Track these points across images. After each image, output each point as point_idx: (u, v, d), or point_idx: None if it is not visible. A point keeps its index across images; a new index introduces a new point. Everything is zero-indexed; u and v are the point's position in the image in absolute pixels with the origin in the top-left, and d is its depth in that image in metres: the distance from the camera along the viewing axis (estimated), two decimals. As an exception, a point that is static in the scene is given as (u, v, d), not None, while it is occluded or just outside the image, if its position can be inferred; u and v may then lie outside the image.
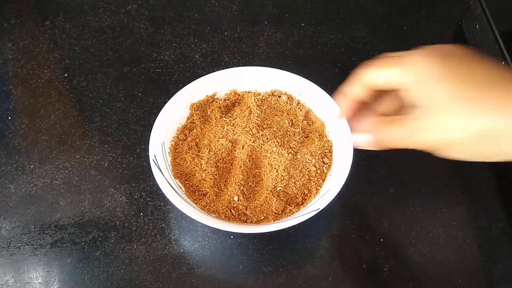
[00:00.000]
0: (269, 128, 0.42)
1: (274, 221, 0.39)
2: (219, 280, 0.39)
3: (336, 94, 0.38)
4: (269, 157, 0.41)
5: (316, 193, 0.40)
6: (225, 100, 0.45)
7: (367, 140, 0.34)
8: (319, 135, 0.43)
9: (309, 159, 0.41)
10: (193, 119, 0.44)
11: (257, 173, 0.41)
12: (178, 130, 0.43)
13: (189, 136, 0.43)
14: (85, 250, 0.41)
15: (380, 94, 0.35)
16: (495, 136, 0.28)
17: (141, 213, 0.43)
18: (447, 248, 0.41)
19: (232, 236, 0.41)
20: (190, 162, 0.41)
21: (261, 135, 0.41)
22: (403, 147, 0.32)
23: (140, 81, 0.52)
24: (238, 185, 0.40)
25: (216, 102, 0.45)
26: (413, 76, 0.31)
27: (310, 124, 0.44)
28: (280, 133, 0.42)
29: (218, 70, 0.45)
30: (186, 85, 0.44)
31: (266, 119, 0.43)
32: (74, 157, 0.46)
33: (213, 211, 0.39)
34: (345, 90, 0.36)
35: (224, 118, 0.44)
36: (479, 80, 0.29)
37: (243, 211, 0.39)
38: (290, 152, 0.41)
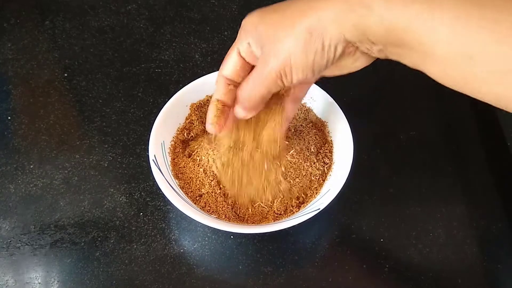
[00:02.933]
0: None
1: (274, 221, 0.39)
2: (219, 280, 0.39)
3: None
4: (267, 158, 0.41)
5: (316, 193, 0.40)
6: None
7: (239, 110, 0.34)
8: (319, 135, 0.43)
9: (309, 159, 0.41)
10: (193, 119, 0.44)
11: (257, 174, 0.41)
12: (178, 130, 0.43)
13: (188, 139, 0.43)
14: (85, 250, 0.41)
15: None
16: (319, 26, 0.28)
17: (141, 213, 0.43)
18: (447, 248, 0.41)
19: (232, 236, 0.41)
20: (190, 164, 0.41)
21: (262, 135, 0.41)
22: (266, 92, 0.32)
23: (140, 81, 0.51)
24: (238, 185, 0.40)
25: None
26: (245, 39, 0.32)
27: (310, 124, 0.44)
28: None
29: (218, 70, 0.45)
30: (186, 85, 0.44)
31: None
32: (74, 157, 0.46)
33: (213, 211, 0.39)
34: (214, 97, 0.36)
35: None
36: (291, 2, 0.30)
37: (243, 211, 0.39)
38: (290, 152, 0.41)
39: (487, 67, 0.25)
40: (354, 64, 0.31)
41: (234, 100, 0.35)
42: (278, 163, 0.40)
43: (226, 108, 0.35)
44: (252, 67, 0.34)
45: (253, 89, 0.32)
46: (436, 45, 0.26)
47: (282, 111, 0.36)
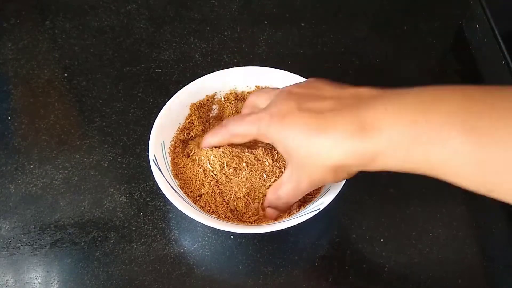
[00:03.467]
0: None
1: (274, 221, 0.39)
2: (219, 280, 0.39)
3: None
4: (269, 157, 0.41)
5: (316, 193, 0.40)
6: (225, 100, 0.45)
7: (272, 211, 0.39)
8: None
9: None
10: (193, 119, 0.44)
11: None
12: (178, 130, 0.43)
13: (188, 139, 0.43)
14: (85, 250, 0.41)
15: None
16: (342, 167, 0.33)
17: (141, 213, 0.43)
18: (447, 248, 0.41)
19: (232, 236, 0.41)
20: (190, 164, 0.41)
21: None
22: (299, 198, 0.38)
23: (140, 81, 0.51)
24: (238, 186, 0.39)
25: (216, 102, 0.45)
26: (268, 140, 0.36)
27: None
28: None
29: (218, 70, 0.45)
30: (186, 85, 0.44)
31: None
32: (74, 157, 0.46)
33: (213, 211, 0.39)
34: (213, 143, 0.40)
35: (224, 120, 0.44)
36: (311, 130, 0.33)
37: (243, 211, 0.39)
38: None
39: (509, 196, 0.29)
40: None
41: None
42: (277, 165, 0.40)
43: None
44: None
45: (289, 197, 0.37)
46: (457, 182, 0.30)
47: None
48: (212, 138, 0.40)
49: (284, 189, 0.37)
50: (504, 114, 0.26)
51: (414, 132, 0.29)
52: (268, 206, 0.38)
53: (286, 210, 0.39)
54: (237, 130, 0.38)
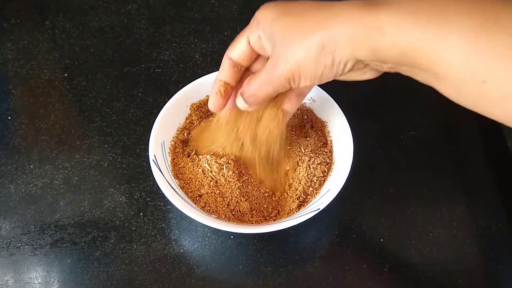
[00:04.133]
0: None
1: (274, 221, 0.39)
2: (219, 280, 0.39)
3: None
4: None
5: (316, 193, 0.40)
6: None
7: (242, 102, 0.35)
8: (319, 135, 0.43)
9: (309, 159, 0.41)
10: (193, 119, 0.44)
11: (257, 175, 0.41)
12: (178, 130, 0.43)
13: (188, 139, 0.43)
14: (85, 250, 0.41)
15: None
16: (332, 41, 0.29)
17: (141, 213, 0.43)
18: (447, 248, 0.41)
19: (232, 236, 0.41)
20: (190, 164, 0.41)
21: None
22: (272, 92, 0.33)
23: (140, 81, 0.51)
24: (238, 186, 0.39)
25: None
26: (257, 31, 0.33)
27: (310, 124, 0.44)
28: None
29: (218, 70, 0.45)
30: (186, 85, 0.44)
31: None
32: (74, 157, 0.46)
33: (212, 211, 0.39)
34: (218, 77, 0.37)
35: None
36: (312, 6, 0.30)
37: (243, 211, 0.39)
38: (290, 153, 0.41)
39: (500, 91, 0.26)
40: (362, 76, 0.33)
41: (237, 81, 0.36)
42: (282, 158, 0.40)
43: (229, 88, 0.36)
44: (259, 55, 0.35)
45: (261, 88, 0.33)
46: (449, 69, 0.26)
47: (282, 104, 0.37)
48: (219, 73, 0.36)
49: (256, 77, 0.33)
50: (505, 30, 0.25)
51: (418, 8, 0.27)
52: (239, 94, 0.35)
53: (256, 103, 0.35)
54: (231, 44, 0.35)
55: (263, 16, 0.32)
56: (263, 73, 0.33)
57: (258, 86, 0.33)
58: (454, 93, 0.28)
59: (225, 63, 0.36)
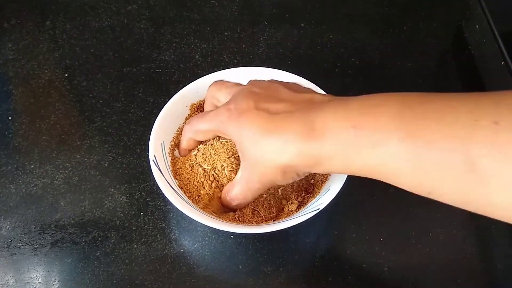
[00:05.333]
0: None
1: (274, 221, 0.39)
2: (219, 280, 0.39)
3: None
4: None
5: (316, 193, 0.40)
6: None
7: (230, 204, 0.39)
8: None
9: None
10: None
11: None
12: (178, 131, 0.43)
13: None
14: (85, 250, 0.41)
15: None
16: (291, 167, 0.33)
17: (141, 213, 0.43)
18: (447, 248, 0.41)
19: (232, 236, 0.41)
20: (188, 164, 0.41)
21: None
22: (256, 196, 0.38)
23: (140, 81, 0.52)
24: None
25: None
26: (225, 135, 0.38)
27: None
28: None
29: (218, 70, 0.45)
30: (186, 85, 0.44)
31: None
32: (75, 157, 0.46)
33: (213, 211, 0.39)
34: (185, 146, 0.41)
35: None
36: (264, 130, 0.33)
37: (243, 211, 0.39)
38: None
39: (447, 198, 0.29)
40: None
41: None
42: None
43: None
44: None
45: (245, 196, 0.37)
46: (400, 185, 0.31)
47: None
48: (181, 141, 0.41)
49: (235, 190, 0.37)
50: (436, 116, 0.27)
51: (354, 137, 0.30)
52: (223, 205, 0.39)
53: (239, 209, 0.39)
54: (199, 126, 0.39)
55: (225, 128, 0.36)
56: (243, 183, 0.36)
57: (243, 193, 0.37)
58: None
59: (190, 142, 0.41)
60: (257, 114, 0.34)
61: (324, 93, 0.43)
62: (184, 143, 0.41)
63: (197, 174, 0.40)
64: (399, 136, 0.28)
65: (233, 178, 0.39)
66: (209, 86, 0.41)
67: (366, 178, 0.45)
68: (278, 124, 0.33)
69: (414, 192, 0.30)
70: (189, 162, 0.41)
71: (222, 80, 0.41)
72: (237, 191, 0.37)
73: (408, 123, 0.28)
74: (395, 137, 0.28)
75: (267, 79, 0.42)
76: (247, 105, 0.34)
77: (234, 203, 0.38)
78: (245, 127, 0.34)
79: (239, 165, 0.39)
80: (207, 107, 0.42)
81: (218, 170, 0.40)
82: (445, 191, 0.28)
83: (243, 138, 0.34)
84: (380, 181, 0.45)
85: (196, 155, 0.41)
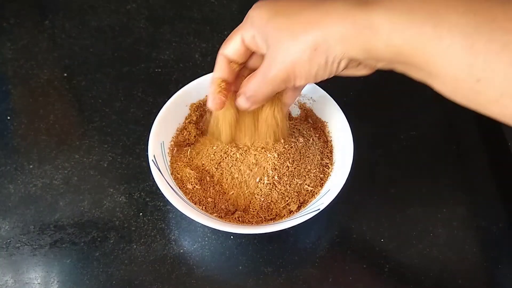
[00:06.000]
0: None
1: (274, 221, 0.39)
2: (219, 280, 0.39)
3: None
4: (268, 158, 0.41)
5: (316, 193, 0.40)
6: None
7: (241, 102, 0.36)
8: (319, 135, 0.43)
9: (309, 160, 0.41)
10: (193, 119, 0.44)
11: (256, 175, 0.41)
12: (178, 130, 0.43)
13: (186, 140, 0.43)
14: (84, 250, 0.41)
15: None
16: (324, 41, 0.29)
17: (141, 213, 0.43)
18: (447, 248, 0.41)
19: (232, 237, 0.41)
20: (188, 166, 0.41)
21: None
22: (271, 92, 0.34)
23: (140, 80, 0.51)
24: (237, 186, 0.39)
25: None
26: (251, 31, 0.33)
27: (310, 124, 0.44)
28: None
29: (217, 70, 0.45)
30: (186, 85, 0.44)
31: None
32: (74, 157, 0.46)
33: (212, 212, 0.39)
34: (215, 75, 0.37)
35: None
36: (304, 6, 0.30)
37: (242, 211, 0.39)
38: (290, 153, 0.41)
39: (496, 89, 0.25)
40: (356, 73, 0.33)
41: (234, 78, 0.36)
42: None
43: (227, 86, 0.36)
44: (253, 53, 0.35)
45: (258, 89, 0.34)
46: (445, 68, 0.26)
47: (280, 98, 0.38)
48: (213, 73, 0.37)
49: (251, 81, 0.34)
50: (501, 29, 0.25)
51: (410, 4, 0.27)
52: (239, 95, 0.36)
53: (256, 103, 0.36)
54: (225, 42, 0.35)
55: (257, 16, 0.32)
56: (259, 74, 0.33)
57: (256, 87, 0.34)
58: (449, 91, 0.27)
59: (220, 60, 0.36)
60: None
61: (325, 92, 0.43)
62: (216, 69, 0.36)
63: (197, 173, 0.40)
64: (460, 10, 0.25)
65: (228, 176, 0.39)
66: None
67: (366, 178, 0.45)
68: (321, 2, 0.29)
69: (457, 84, 0.26)
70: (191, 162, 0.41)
71: None
72: (253, 82, 0.34)
73: (477, 9, 0.25)
74: (456, 10, 0.26)
75: None
76: None
77: (248, 93, 0.34)
78: (281, 5, 0.31)
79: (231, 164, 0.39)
80: None
81: (214, 170, 0.39)
82: (496, 77, 0.25)
83: (275, 17, 0.31)
84: (380, 181, 0.45)
85: (190, 152, 0.41)
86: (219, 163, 0.40)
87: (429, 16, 0.26)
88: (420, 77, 0.28)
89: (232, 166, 0.39)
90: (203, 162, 0.40)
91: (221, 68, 0.36)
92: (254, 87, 0.34)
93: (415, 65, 0.28)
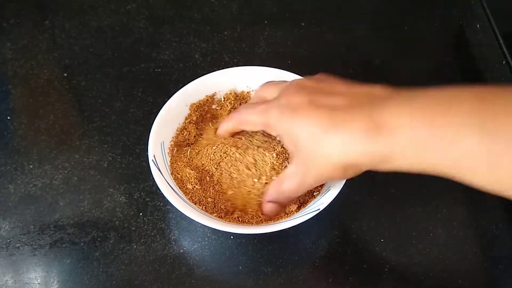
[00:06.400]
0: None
1: (274, 221, 0.39)
2: (219, 280, 0.39)
3: None
4: (266, 157, 0.40)
5: (316, 193, 0.40)
6: (225, 100, 0.45)
7: (269, 205, 0.38)
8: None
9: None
10: (193, 120, 0.44)
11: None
12: (178, 130, 0.43)
13: (186, 140, 0.43)
14: (84, 250, 0.41)
15: None
16: (353, 166, 0.33)
17: (141, 213, 0.43)
18: (447, 248, 0.41)
19: (232, 237, 0.41)
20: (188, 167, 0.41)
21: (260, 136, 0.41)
22: (303, 193, 0.37)
23: (140, 80, 0.51)
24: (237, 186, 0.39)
25: (215, 102, 0.45)
26: (275, 132, 0.36)
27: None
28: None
29: (218, 70, 0.45)
30: (186, 85, 0.44)
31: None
32: (74, 157, 0.46)
33: (212, 212, 0.39)
34: (221, 132, 0.41)
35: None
36: (323, 125, 0.32)
37: (241, 211, 0.39)
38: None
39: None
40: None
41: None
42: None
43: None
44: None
45: (295, 192, 0.36)
46: (475, 179, 0.29)
47: None
48: (225, 123, 0.40)
49: (288, 183, 0.36)
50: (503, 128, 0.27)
51: (430, 133, 0.29)
52: (269, 201, 0.38)
53: (285, 206, 0.38)
54: (247, 117, 0.38)
55: (279, 123, 0.35)
56: (295, 179, 0.35)
57: (293, 189, 0.36)
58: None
59: (235, 129, 0.40)
60: (314, 110, 0.32)
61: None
62: (229, 126, 0.40)
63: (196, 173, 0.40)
64: (475, 132, 0.27)
65: (227, 177, 0.39)
66: (257, 88, 0.41)
67: (366, 178, 0.45)
68: (339, 120, 0.32)
69: (489, 191, 0.29)
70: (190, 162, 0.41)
71: (269, 81, 0.40)
72: (291, 184, 0.36)
73: (485, 118, 0.27)
74: (471, 133, 0.27)
75: (269, 79, 0.42)
76: (300, 100, 0.33)
77: (284, 195, 0.37)
78: (303, 124, 0.33)
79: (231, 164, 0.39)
80: (253, 101, 0.41)
81: (213, 170, 0.39)
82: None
83: (298, 135, 0.33)
84: (380, 181, 0.45)
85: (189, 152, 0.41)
86: (219, 163, 0.40)
87: (446, 144, 0.28)
88: None
89: (231, 166, 0.39)
90: (202, 162, 0.40)
91: (232, 130, 0.40)
92: (289, 190, 0.36)
93: (437, 174, 0.31)
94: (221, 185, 0.40)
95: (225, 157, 0.40)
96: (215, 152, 0.40)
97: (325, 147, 0.32)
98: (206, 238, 0.41)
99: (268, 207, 0.38)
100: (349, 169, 0.33)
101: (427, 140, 0.29)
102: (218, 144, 0.40)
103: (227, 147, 0.40)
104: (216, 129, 0.42)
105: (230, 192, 0.39)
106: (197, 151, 0.41)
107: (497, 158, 0.27)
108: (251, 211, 0.39)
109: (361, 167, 0.33)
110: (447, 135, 0.28)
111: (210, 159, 0.40)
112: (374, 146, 0.30)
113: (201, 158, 0.41)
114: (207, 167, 0.40)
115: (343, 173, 0.33)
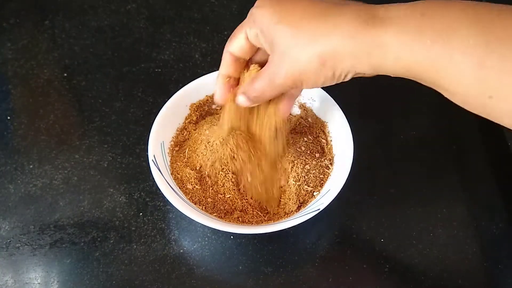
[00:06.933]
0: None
1: (274, 221, 0.39)
2: (219, 280, 0.39)
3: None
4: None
5: (316, 193, 0.40)
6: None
7: (243, 100, 0.36)
8: (319, 135, 0.43)
9: (309, 160, 0.41)
10: (193, 119, 0.44)
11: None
12: (178, 130, 0.43)
13: (186, 140, 0.43)
14: (84, 250, 0.41)
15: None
16: (333, 57, 0.29)
17: (141, 213, 0.43)
18: (447, 248, 0.41)
19: (232, 237, 0.41)
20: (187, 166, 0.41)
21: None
22: (276, 95, 0.34)
23: (140, 80, 0.51)
24: (236, 186, 0.39)
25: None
26: (257, 29, 0.33)
27: (310, 124, 0.44)
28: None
29: (218, 69, 0.45)
30: (186, 85, 0.44)
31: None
32: (74, 157, 0.46)
33: (212, 212, 0.39)
34: (221, 72, 0.37)
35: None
36: (310, 14, 0.30)
37: (241, 211, 0.39)
38: (290, 153, 0.41)
39: (508, 105, 0.26)
40: (361, 77, 0.33)
41: (239, 72, 0.37)
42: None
43: (233, 81, 0.37)
44: (258, 48, 0.35)
45: (264, 92, 0.34)
46: (455, 85, 0.27)
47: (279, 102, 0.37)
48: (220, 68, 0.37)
49: (257, 82, 0.34)
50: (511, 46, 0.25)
51: (421, 23, 0.27)
52: (241, 93, 0.36)
53: (258, 103, 0.36)
54: (234, 33, 0.35)
55: (260, 17, 0.32)
56: (265, 78, 0.33)
57: (262, 90, 0.34)
58: (460, 102, 0.28)
59: (226, 57, 0.36)
60: (299, 2, 0.31)
61: (325, 92, 0.43)
62: (222, 67, 0.37)
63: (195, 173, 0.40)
64: (470, 26, 0.26)
65: (230, 179, 0.39)
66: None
67: (366, 178, 0.45)
68: (328, 9, 0.29)
69: (469, 99, 0.27)
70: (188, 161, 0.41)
71: None
72: (258, 83, 0.34)
73: (481, 15, 0.26)
74: (465, 27, 0.26)
75: None
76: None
77: (252, 94, 0.35)
78: (283, 10, 0.31)
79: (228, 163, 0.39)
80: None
81: (209, 170, 0.39)
82: (509, 94, 0.25)
83: (278, 23, 0.31)
84: (380, 181, 0.45)
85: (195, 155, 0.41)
86: (213, 164, 0.40)
87: (439, 34, 0.26)
88: (430, 86, 0.29)
89: (227, 166, 0.39)
90: (200, 163, 0.40)
91: (227, 65, 0.36)
92: (259, 90, 0.34)
93: (425, 81, 0.28)
94: (217, 185, 0.40)
95: (220, 158, 0.40)
96: (210, 152, 0.40)
97: (306, 32, 0.30)
98: (206, 238, 0.41)
99: (239, 99, 0.36)
100: (328, 64, 0.29)
101: (418, 29, 0.27)
102: (212, 144, 0.40)
103: (222, 148, 0.40)
104: (210, 125, 0.41)
105: (228, 194, 0.39)
106: (192, 149, 0.41)
107: (488, 56, 0.25)
108: (251, 211, 0.39)
109: (339, 63, 0.29)
110: (440, 26, 0.27)
111: (206, 160, 0.40)
112: (362, 32, 0.28)
113: (197, 157, 0.41)
114: (203, 168, 0.40)
115: (318, 68, 0.30)
